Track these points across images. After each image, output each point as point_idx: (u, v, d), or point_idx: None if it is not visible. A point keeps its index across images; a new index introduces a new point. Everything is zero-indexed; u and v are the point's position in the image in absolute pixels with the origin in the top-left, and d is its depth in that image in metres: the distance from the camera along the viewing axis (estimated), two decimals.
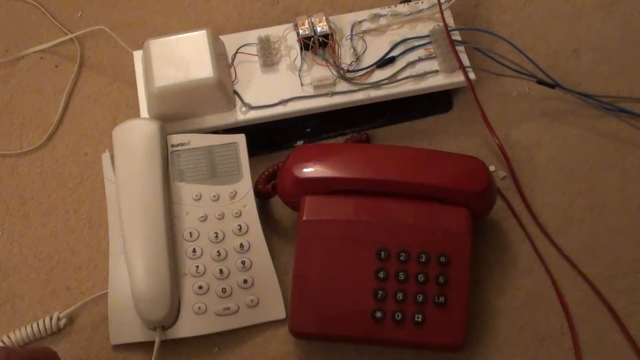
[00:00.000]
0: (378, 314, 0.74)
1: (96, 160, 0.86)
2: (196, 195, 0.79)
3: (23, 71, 0.91)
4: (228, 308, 0.77)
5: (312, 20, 0.85)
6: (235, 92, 0.84)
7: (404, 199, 0.76)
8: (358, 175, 0.76)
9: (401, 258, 0.75)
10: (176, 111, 0.82)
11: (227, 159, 0.81)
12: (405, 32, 0.87)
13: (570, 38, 0.92)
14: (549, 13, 0.93)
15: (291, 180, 0.77)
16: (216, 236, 0.78)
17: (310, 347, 0.78)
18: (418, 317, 0.74)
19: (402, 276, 0.75)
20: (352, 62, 0.85)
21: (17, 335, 0.77)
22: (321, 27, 0.85)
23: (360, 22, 0.87)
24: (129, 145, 0.79)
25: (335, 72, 0.84)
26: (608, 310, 0.79)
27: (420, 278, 0.75)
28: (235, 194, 0.80)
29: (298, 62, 0.85)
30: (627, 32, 0.92)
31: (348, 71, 0.84)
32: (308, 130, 0.87)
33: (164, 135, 0.80)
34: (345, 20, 0.87)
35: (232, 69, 0.85)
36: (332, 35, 0.85)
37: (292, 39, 0.86)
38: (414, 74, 0.85)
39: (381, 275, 0.75)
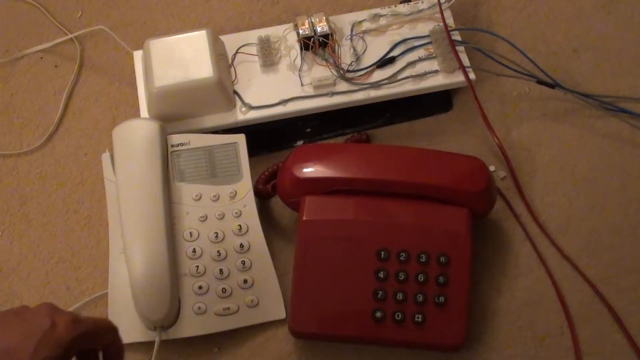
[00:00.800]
0: (378, 314, 0.74)
1: (96, 160, 0.86)
2: (196, 195, 0.79)
3: (23, 71, 0.91)
4: (228, 308, 0.77)
5: (312, 20, 0.85)
6: (235, 92, 0.84)
7: (404, 199, 0.76)
8: (358, 175, 0.76)
9: (401, 258, 0.75)
10: (176, 111, 0.82)
11: (227, 159, 0.81)
12: (405, 32, 0.87)
13: (570, 38, 0.92)
14: (549, 13, 0.93)
15: (291, 180, 0.77)
16: (216, 236, 0.78)
17: (310, 347, 0.78)
18: (418, 317, 0.74)
19: (402, 276, 0.75)
20: (352, 62, 0.85)
21: None
22: (321, 27, 0.85)
23: (360, 22, 0.87)
24: (129, 145, 0.79)
25: (335, 72, 0.84)
26: (608, 310, 0.79)
27: (420, 278, 0.75)
28: (235, 194, 0.80)
29: (298, 62, 0.85)
30: (627, 32, 0.92)
31: (348, 71, 0.84)
32: (308, 130, 0.87)
33: (164, 135, 0.80)
34: (345, 20, 0.87)
35: (232, 69, 0.85)
36: (332, 35, 0.85)
37: (292, 39, 0.86)
38: (414, 74, 0.85)
39: (381, 275, 0.75)
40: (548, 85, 0.86)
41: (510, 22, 0.93)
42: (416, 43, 0.86)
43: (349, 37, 0.86)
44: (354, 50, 0.86)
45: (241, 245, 0.78)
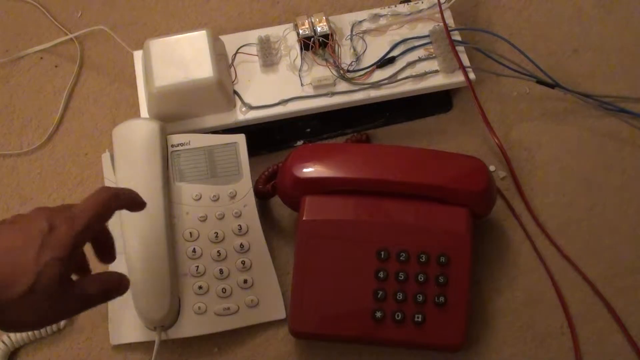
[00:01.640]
0: (378, 314, 0.74)
1: (96, 160, 0.86)
2: (196, 195, 0.79)
3: (23, 71, 0.91)
4: (228, 308, 0.77)
5: (312, 20, 0.85)
6: (235, 92, 0.84)
7: (403, 199, 0.76)
8: (358, 175, 0.76)
9: (401, 258, 0.75)
10: (176, 111, 0.82)
11: (227, 159, 0.81)
12: (405, 32, 0.87)
13: (570, 38, 0.92)
14: (549, 13, 0.93)
15: (291, 180, 0.77)
16: (216, 236, 0.78)
17: (310, 347, 0.78)
18: (418, 317, 0.74)
19: (402, 276, 0.75)
20: (352, 62, 0.85)
21: (17, 335, 0.77)
22: (321, 27, 0.85)
23: (360, 22, 0.87)
24: (129, 145, 0.79)
25: (335, 72, 0.84)
26: (608, 310, 0.79)
27: (420, 278, 0.75)
28: (235, 194, 0.80)
29: (298, 62, 0.85)
30: (627, 32, 0.92)
31: (348, 71, 0.84)
32: (308, 130, 0.87)
33: (164, 135, 0.80)
34: (345, 20, 0.87)
35: (232, 69, 0.85)
36: (332, 35, 0.85)
37: (292, 39, 0.86)
38: (414, 74, 0.85)
39: (381, 275, 0.75)
40: (548, 85, 0.86)
41: (510, 22, 0.93)
42: (416, 43, 0.86)
43: (349, 37, 0.86)
44: (354, 50, 0.86)
45: (241, 245, 0.78)
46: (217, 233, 0.78)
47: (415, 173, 0.76)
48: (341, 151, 0.79)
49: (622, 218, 0.83)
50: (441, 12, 0.86)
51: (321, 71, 0.85)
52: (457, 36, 0.86)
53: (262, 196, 0.82)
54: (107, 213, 0.61)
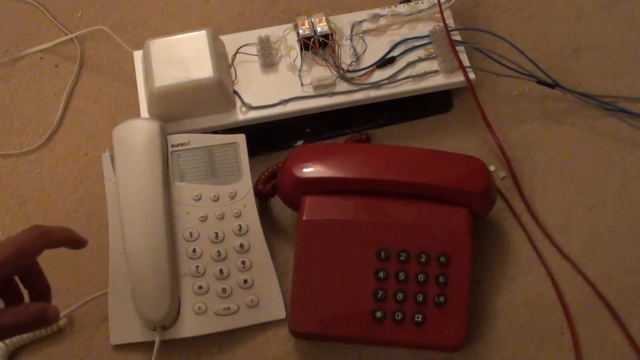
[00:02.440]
0: (378, 314, 0.74)
1: (96, 160, 0.86)
2: (196, 195, 0.79)
3: (23, 71, 0.91)
4: (228, 308, 0.77)
5: (312, 20, 0.85)
6: (235, 92, 0.84)
7: (404, 199, 0.76)
8: (358, 175, 0.76)
9: (401, 258, 0.75)
10: (176, 111, 0.82)
11: (227, 159, 0.81)
12: (405, 32, 0.87)
13: (570, 38, 0.92)
14: (549, 13, 0.93)
15: (291, 180, 0.77)
16: (216, 236, 0.78)
17: (310, 347, 0.78)
18: (418, 317, 0.74)
19: (402, 276, 0.75)
20: (352, 62, 0.85)
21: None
22: (321, 27, 0.85)
23: (360, 22, 0.87)
24: (129, 145, 0.79)
25: (335, 72, 0.84)
26: (608, 310, 0.79)
27: (420, 278, 0.75)
28: (235, 194, 0.80)
29: (298, 62, 0.85)
30: (627, 32, 0.92)
31: (348, 71, 0.84)
32: (308, 130, 0.87)
33: (164, 135, 0.80)
34: (345, 20, 0.87)
35: (232, 69, 0.85)
36: (332, 35, 0.85)
37: (292, 39, 0.86)
38: (413, 74, 0.85)
39: (381, 275, 0.75)
40: (548, 85, 0.86)
41: (510, 22, 0.93)
42: (416, 43, 0.86)
43: (349, 37, 0.86)
44: (354, 50, 0.86)
45: (241, 245, 0.78)
46: (217, 233, 0.78)
47: (415, 173, 0.76)
48: (341, 151, 0.79)
49: (622, 218, 0.83)
50: (441, 12, 0.86)
51: (321, 71, 0.85)
52: (457, 36, 0.86)
53: (262, 196, 0.82)
54: (32, 251, 0.62)
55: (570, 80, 0.89)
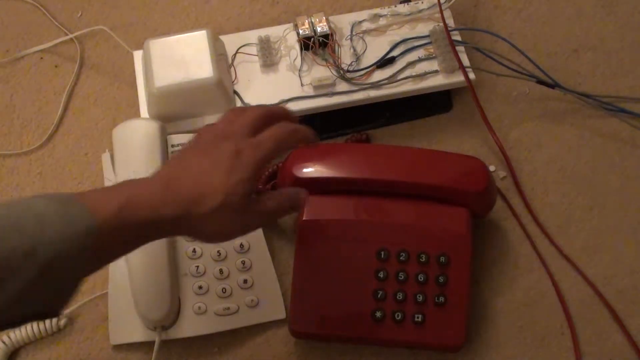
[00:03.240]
0: (378, 314, 0.74)
1: (96, 160, 0.86)
2: None
3: (23, 71, 0.91)
4: (228, 308, 0.77)
5: (312, 20, 0.85)
6: (235, 92, 0.84)
7: (404, 199, 0.76)
8: (358, 175, 0.76)
9: (401, 258, 0.75)
10: (176, 111, 0.82)
11: None
12: (405, 32, 0.87)
13: (570, 38, 0.92)
14: (549, 13, 0.93)
15: (291, 181, 0.77)
16: None
17: (310, 347, 0.78)
18: (418, 317, 0.74)
19: (402, 276, 0.75)
20: (352, 62, 0.85)
21: (17, 335, 0.77)
22: (321, 27, 0.85)
23: (360, 22, 0.87)
24: (129, 145, 0.79)
25: (335, 72, 0.84)
26: (608, 310, 0.79)
27: (420, 278, 0.75)
28: None
29: (298, 62, 0.85)
30: (627, 32, 0.92)
31: (348, 71, 0.84)
32: None
33: (164, 135, 0.80)
34: (345, 20, 0.87)
35: (232, 69, 0.85)
36: (332, 35, 0.85)
37: (292, 39, 0.86)
38: (414, 74, 0.85)
39: (381, 275, 0.75)
40: (548, 85, 0.86)
41: (510, 22, 0.93)
42: (416, 43, 0.86)
43: (349, 37, 0.86)
44: (354, 50, 0.86)
45: (241, 245, 0.78)
46: None
47: (415, 173, 0.76)
48: (341, 151, 0.79)
49: (622, 218, 0.83)
50: (441, 12, 0.86)
51: (321, 71, 0.85)
52: (457, 36, 0.86)
53: None
54: (286, 146, 0.67)
55: (570, 80, 0.89)
